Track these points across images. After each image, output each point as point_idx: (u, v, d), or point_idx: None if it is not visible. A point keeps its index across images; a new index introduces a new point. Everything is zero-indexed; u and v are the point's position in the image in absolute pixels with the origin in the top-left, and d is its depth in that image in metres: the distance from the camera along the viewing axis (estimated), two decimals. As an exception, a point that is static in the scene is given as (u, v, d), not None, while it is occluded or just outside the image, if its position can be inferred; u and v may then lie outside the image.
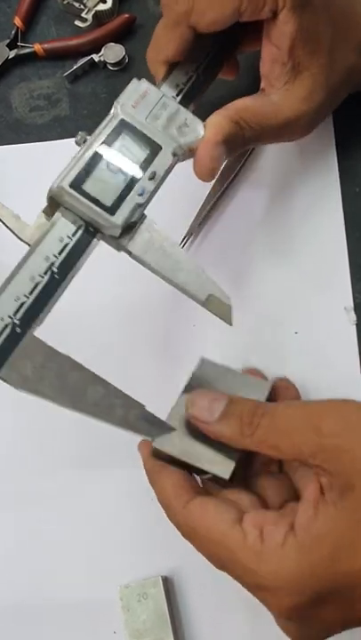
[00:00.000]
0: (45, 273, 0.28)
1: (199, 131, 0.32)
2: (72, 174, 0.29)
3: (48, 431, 0.36)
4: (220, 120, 0.32)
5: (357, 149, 0.39)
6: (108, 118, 0.31)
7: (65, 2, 0.43)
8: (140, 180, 0.30)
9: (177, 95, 0.34)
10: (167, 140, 0.32)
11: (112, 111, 0.31)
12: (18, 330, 0.27)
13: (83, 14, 0.43)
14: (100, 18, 0.43)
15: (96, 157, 0.30)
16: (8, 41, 0.43)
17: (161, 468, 0.28)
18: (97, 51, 0.42)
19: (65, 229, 0.29)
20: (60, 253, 0.29)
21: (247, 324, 0.37)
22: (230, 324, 0.30)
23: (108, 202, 0.29)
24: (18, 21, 0.44)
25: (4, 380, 0.26)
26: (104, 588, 0.34)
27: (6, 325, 0.27)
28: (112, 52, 0.42)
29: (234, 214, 0.39)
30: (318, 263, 0.38)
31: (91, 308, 0.37)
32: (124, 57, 0.42)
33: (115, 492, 0.36)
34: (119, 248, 0.30)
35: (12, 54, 0.43)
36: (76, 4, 0.43)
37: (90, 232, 0.29)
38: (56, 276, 0.28)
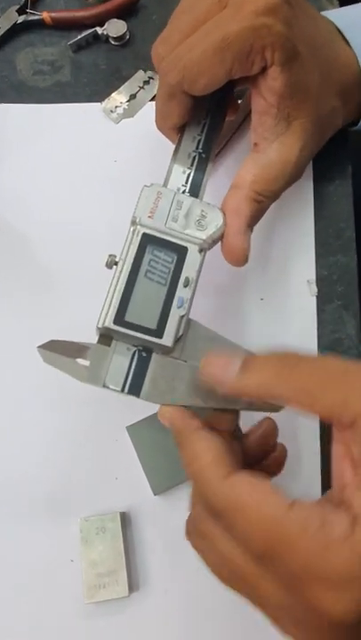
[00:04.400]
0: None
1: (218, 220, 0.30)
2: (112, 311, 0.28)
3: (25, 379, 0.36)
4: (238, 204, 0.31)
5: (326, 159, 0.40)
6: (129, 235, 0.29)
7: (75, -24, 0.42)
8: (176, 291, 0.29)
9: (192, 164, 0.32)
10: (191, 239, 0.30)
11: (131, 228, 0.30)
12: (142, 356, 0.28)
13: (90, -12, 0.42)
14: (106, -6, 0.42)
15: (129, 286, 0.29)
16: (18, 7, 0.43)
17: (197, 428, 0.26)
18: (101, 24, 0.43)
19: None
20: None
21: (221, 286, 0.38)
22: None
23: (153, 325, 0.28)
24: (29, -12, 0.43)
25: (145, 399, 0.28)
26: (65, 520, 0.35)
27: (134, 352, 0.28)
28: (114, 27, 0.42)
29: (222, 181, 0.36)
30: (288, 240, 0.39)
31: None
32: (125, 33, 0.42)
33: (80, 431, 0.36)
34: (174, 358, 0.29)
35: (21, 19, 0.43)
36: (85, -21, 0.42)
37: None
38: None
